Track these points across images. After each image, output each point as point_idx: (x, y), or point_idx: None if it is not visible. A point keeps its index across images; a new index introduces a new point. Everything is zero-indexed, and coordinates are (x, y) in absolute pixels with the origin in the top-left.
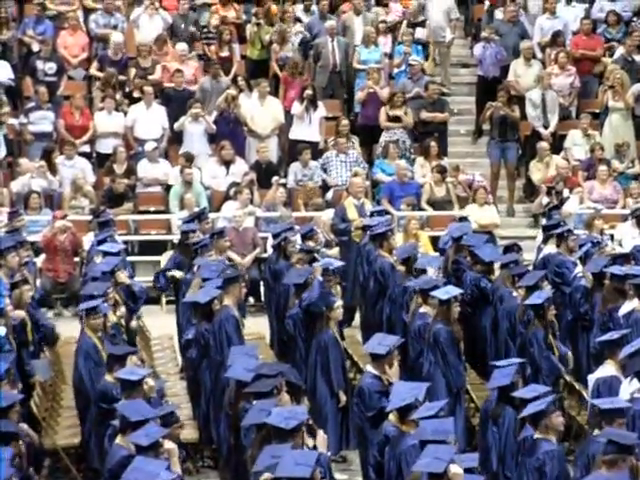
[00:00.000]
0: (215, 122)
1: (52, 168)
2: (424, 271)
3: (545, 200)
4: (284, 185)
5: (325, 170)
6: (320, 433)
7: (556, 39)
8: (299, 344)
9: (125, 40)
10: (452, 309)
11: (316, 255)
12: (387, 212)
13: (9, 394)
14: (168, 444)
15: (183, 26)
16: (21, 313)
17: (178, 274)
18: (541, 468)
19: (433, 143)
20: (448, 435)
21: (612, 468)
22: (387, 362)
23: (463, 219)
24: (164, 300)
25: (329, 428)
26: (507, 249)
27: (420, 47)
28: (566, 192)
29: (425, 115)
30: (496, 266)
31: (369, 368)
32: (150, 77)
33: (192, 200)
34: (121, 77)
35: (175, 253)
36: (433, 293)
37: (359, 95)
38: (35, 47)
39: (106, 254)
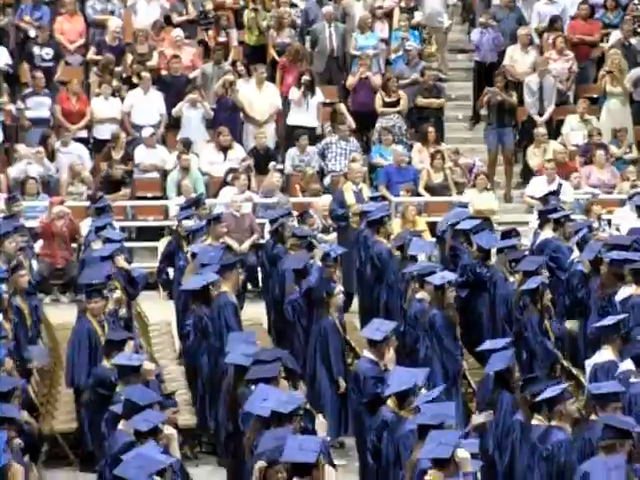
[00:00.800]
0: (213, 108)
1: (49, 154)
2: (415, 258)
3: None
4: (281, 171)
5: (323, 155)
6: (319, 417)
7: (554, 24)
8: (298, 330)
9: (123, 26)
10: (447, 294)
11: (314, 241)
12: (384, 198)
13: (10, 379)
14: (168, 429)
15: (184, 11)
16: None
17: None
18: (550, 458)
19: (431, 128)
20: (448, 419)
21: (610, 453)
22: (384, 348)
23: (463, 205)
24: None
25: (328, 414)
26: (505, 234)
27: (417, 32)
28: (560, 180)
29: (421, 101)
30: (493, 251)
31: (366, 353)
32: (147, 63)
33: (189, 186)
34: (118, 63)
35: (171, 239)
36: (428, 278)
37: (350, 81)
38: (32, 33)
39: (108, 240)
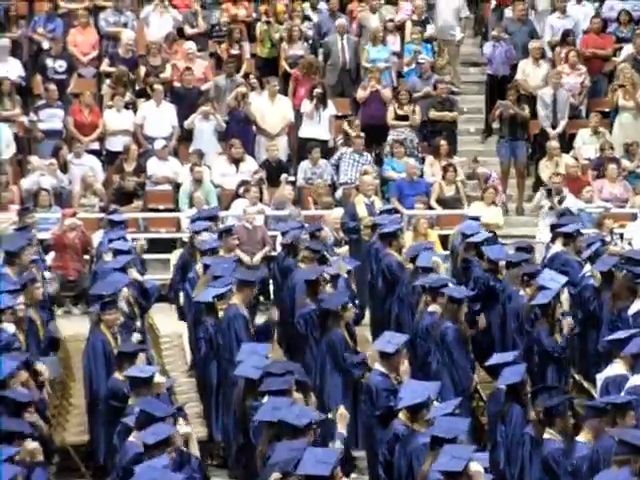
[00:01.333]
0: (225, 121)
1: (61, 166)
2: (429, 269)
3: (545, 204)
4: (293, 183)
5: (337, 167)
6: (341, 409)
7: (566, 38)
8: (310, 343)
9: (135, 38)
10: (462, 308)
11: (326, 254)
12: (396, 211)
13: (25, 393)
14: (184, 428)
15: (195, 23)
16: None
17: None
18: (546, 467)
19: (443, 142)
20: (461, 434)
21: (622, 467)
22: (395, 361)
23: (474, 218)
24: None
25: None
26: (520, 249)
27: (429, 45)
28: (565, 191)
29: (434, 114)
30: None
31: (377, 366)
32: (160, 75)
33: (201, 198)
34: (131, 75)
35: (183, 252)
36: (446, 290)
37: (360, 94)
38: (45, 45)
39: (117, 252)
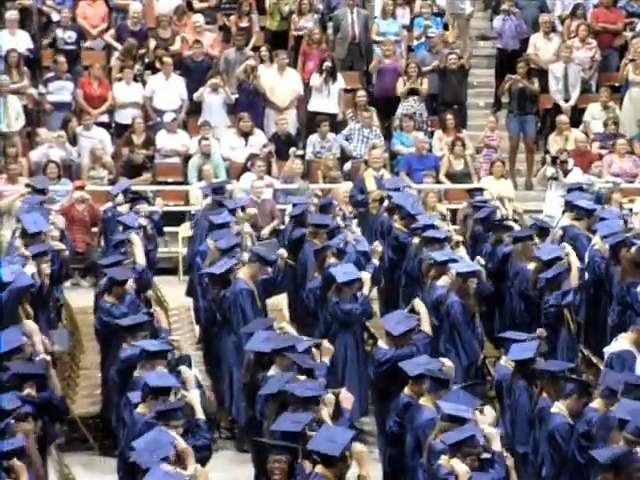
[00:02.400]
0: (233, 93)
1: (70, 138)
2: (435, 240)
3: (550, 171)
4: (302, 157)
5: (347, 140)
6: (343, 391)
7: (576, 12)
8: (320, 318)
9: (144, 10)
10: (469, 284)
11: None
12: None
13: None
14: (187, 373)
15: None
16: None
17: None
18: (553, 441)
19: (450, 116)
20: (467, 411)
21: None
22: (400, 341)
23: (479, 190)
24: (181, 270)
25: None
26: (535, 227)
27: (439, 19)
28: (570, 163)
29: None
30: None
31: (381, 344)
32: (169, 48)
33: (210, 171)
34: (140, 48)
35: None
36: (452, 265)
37: (373, 64)
38: (55, 17)
39: (126, 227)
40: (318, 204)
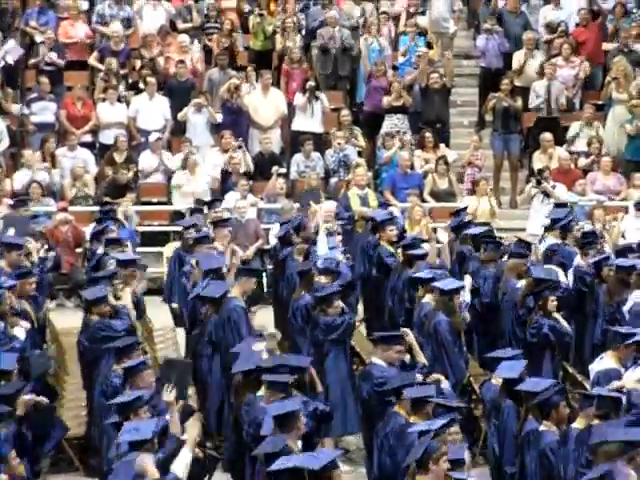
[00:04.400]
0: (218, 113)
1: (50, 158)
2: (419, 257)
3: (534, 190)
4: (285, 176)
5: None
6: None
7: (559, 30)
8: (307, 336)
9: (128, 31)
10: (454, 300)
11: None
12: (389, 203)
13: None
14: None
15: (189, 17)
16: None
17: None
18: (544, 458)
19: (428, 134)
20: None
21: (629, 463)
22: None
23: (462, 210)
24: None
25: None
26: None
27: (423, 38)
28: (552, 182)
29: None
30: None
31: (376, 360)
32: (154, 68)
33: (193, 190)
34: (123, 68)
35: (178, 247)
36: (435, 284)
37: (367, 68)
38: (38, 38)
39: (108, 242)
40: (291, 225)
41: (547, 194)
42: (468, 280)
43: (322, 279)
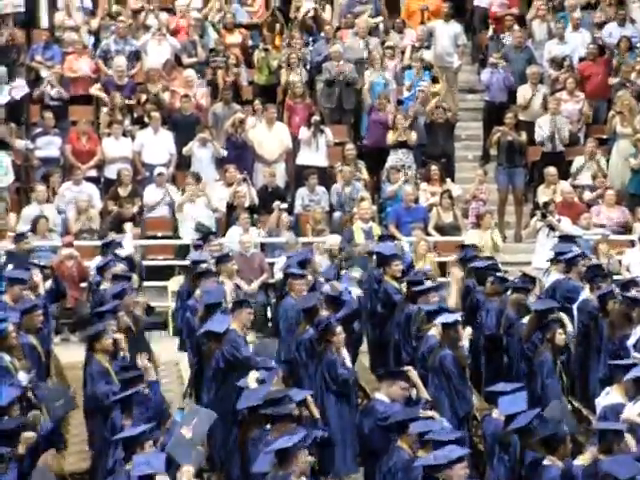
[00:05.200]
0: (224, 145)
1: (52, 192)
2: (423, 293)
3: (539, 224)
4: (287, 210)
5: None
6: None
7: (564, 64)
8: (310, 370)
9: (130, 65)
10: (458, 333)
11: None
12: (394, 237)
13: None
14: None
15: (193, 52)
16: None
17: None
18: None
19: (434, 167)
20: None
21: None
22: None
23: (468, 246)
24: (171, 325)
25: (338, 448)
26: (524, 276)
27: (428, 72)
28: (557, 215)
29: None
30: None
31: (379, 396)
32: (158, 102)
33: (199, 222)
34: (128, 102)
35: (185, 281)
36: (438, 319)
37: (367, 102)
38: (43, 73)
39: (115, 277)
40: (296, 259)
41: (552, 227)
42: (468, 331)
43: (323, 312)
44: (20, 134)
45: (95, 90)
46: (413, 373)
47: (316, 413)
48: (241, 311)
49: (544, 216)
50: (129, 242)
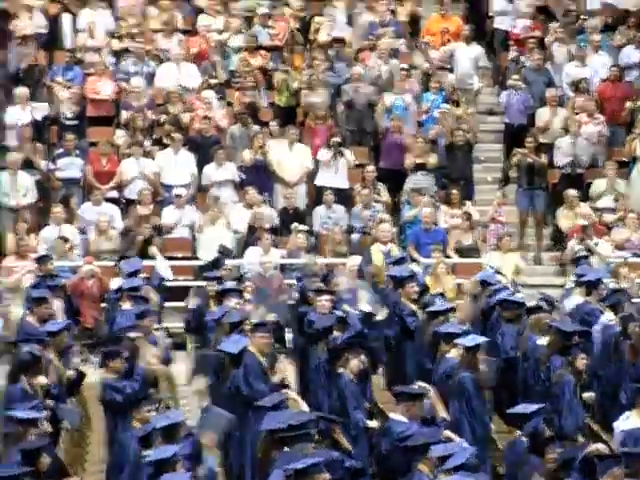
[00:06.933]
0: (242, 168)
1: (71, 214)
2: (438, 313)
3: (577, 247)
4: (309, 232)
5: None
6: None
7: (584, 86)
8: (328, 391)
9: (149, 86)
10: (478, 356)
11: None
12: (413, 259)
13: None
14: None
15: (213, 73)
16: None
17: None
18: None
19: (454, 190)
20: None
21: None
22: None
23: (492, 269)
24: (189, 346)
25: None
26: (542, 300)
27: (442, 93)
28: (594, 239)
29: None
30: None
31: (395, 416)
32: (178, 124)
33: (221, 245)
34: (147, 123)
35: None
36: (458, 341)
37: (382, 125)
38: (64, 94)
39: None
40: (321, 278)
41: (590, 250)
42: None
43: (334, 332)
44: (44, 154)
45: (121, 115)
46: (431, 392)
47: (348, 445)
48: (259, 336)
49: (582, 239)
50: (163, 264)
